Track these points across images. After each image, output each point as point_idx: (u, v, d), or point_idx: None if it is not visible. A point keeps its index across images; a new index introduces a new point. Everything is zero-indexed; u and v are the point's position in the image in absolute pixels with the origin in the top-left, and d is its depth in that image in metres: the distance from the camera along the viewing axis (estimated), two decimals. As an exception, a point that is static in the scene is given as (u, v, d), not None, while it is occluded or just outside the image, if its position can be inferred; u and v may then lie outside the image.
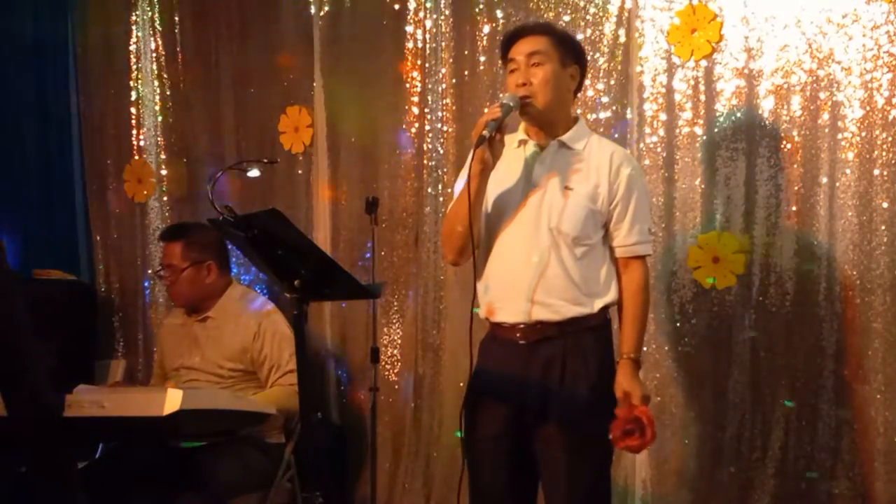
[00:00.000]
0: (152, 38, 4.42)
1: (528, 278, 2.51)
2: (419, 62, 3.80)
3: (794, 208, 3.20)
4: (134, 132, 4.48)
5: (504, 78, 2.67)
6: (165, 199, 4.44)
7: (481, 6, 3.67)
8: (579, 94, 2.80)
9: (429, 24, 3.78)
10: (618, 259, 2.59)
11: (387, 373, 3.88)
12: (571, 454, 2.50)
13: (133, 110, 4.47)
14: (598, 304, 2.55)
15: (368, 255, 3.71)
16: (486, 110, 2.51)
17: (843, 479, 3.13)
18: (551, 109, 2.55)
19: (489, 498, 2.62)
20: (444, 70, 3.76)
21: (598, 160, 2.56)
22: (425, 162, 3.80)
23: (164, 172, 4.44)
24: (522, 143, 2.62)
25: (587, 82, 3.47)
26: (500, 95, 2.56)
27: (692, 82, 3.34)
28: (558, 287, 2.50)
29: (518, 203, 2.55)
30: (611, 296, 2.57)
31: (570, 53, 2.59)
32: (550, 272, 2.49)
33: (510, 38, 2.60)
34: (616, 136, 3.44)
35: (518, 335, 2.54)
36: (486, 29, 3.66)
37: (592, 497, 2.56)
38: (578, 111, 3.47)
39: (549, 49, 2.53)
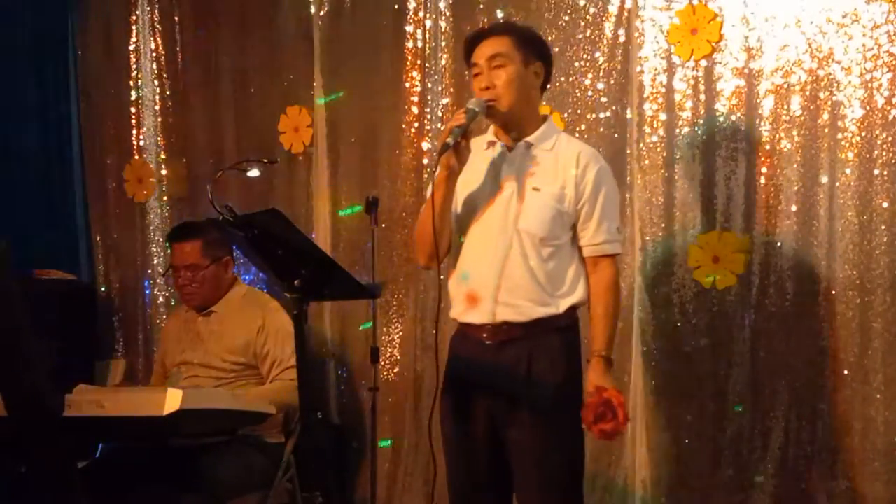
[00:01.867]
0: (152, 38, 4.42)
1: (492, 279, 2.51)
2: (419, 62, 3.80)
3: (794, 208, 3.20)
4: (134, 132, 4.48)
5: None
6: (165, 199, 4.44)
7: (481, 6, 3.67)
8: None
9: (429, 24, 3.78)
10: (586, 259, 2.61)
11: (387, 373, 3.88)
12: (541, 446, 2.52)
13: (133, 110, 4.47)
14: (564, 305, 2.56)
15: (368, 255, 3.71)
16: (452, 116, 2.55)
17: (843, 479, 3.13)
18: (517, 110, 2.57)
19: (465, 495, 2.65)
20: (444, 70, 3.76)
21: (564, 160, 2.58)
22: (425, 162, 3.80)
23: (164, 172, 4.44)
24: (491, 144, 2.64)
25: (587, 82, 3.48)
26: (468, 102, 2.58)
27: (692, 82, 3.34)
28: (523, 288, 2.51)
29: (486, 204, 2.57)
30: (578, 296, 2.58)
31: (533, 51, 2.61)
32: (515, 273, 2.50)
33: (472, 42, 2.63)
34: (616, 135, 3.44)
35: (485, 335, 2.56)
36: (486, 29, 3.65)
37: (565, 489, 2.58)
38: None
39: (510, 50, 2.56)
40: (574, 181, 2.55)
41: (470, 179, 2.58)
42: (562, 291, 2.56)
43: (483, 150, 2.64)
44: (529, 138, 2.60)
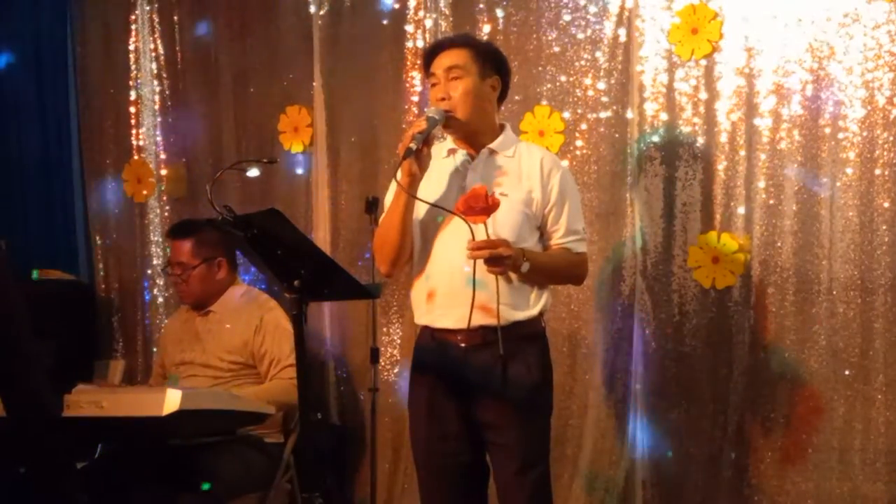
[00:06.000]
0: (152, 38, 4.41)
1: (466, 286, 2.50)
2: (419, 62, 3.79)
3: (794, 208, 3.20)
4: (133, 132, 4.47)
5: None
6: (165, 199, 4.43)
7: (481, 6, 3.67)
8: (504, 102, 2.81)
9: (429, 23, 3.77)
10: None
11: (387, 373, 3.87)
12: (520, 445, 2.56)
13: (132, 110, 4.46)
14: (537, 308, 2.59)
15: (368, 255, 3.71)
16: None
17: (844, 480, 3.13)
18: (474, 121, 2.60)
19: (437, 496, 2.66)
20: (444, 70, 3.75)
21: (528, 166, 2.61)
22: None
23: (163, 172, 4.43)
24: (452, 152, 2.67)
25: (587, 81, 3.48)
26: (426, 109, 2.59)
27: (693, 82, 3.34)
28: (499, 292, 2.49)
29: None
30: (545, 298, 2.62)
31: (490, 64, 2.64)
32: (489, 278, 2.47)
33: (431, 53, 2.66)
34: (616, 135, 3.44)
35: (459, 338, 2.56)
36: (487, 29, 3.65)
37: (541, 480, 2.61)
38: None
39: (467, 62, 2.59)
40: (540, 186, 2.59)
41: (434, 187, 2.59)
42: (533, 294, 2.59)
43: (443, 157, 2.66)
44: (492, 145, 2.63)
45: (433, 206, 2.51)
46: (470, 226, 2.37)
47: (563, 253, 2.61)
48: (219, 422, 2.96)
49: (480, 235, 2.40)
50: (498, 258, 2.40)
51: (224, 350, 3.38)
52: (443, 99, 2.58)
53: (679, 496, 3.36)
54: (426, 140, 2.50)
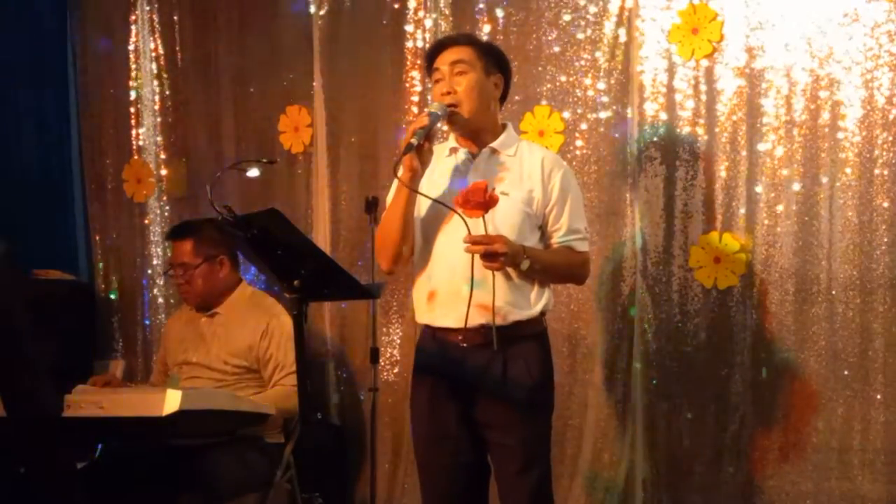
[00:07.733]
0: (151, 38, 4.41)
1: (466, 284, 2.50)
2: (419, 62, 3.80)
3: (794, 208, 3.21)
4: (133, 132, 4.47)
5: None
6: (165, 199, 4.43)
7: (481, 6, 3.67)
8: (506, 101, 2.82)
9: (429, 23, 3.78)
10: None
11: (387, 373, 3.88)
12: (521, 445, 2.57)
13: (132, 110, 4.46)
14: (538, 307, 2.59)
15: (368, 255, 3.70)
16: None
17: (844, 480, 3.13)
18: (477, 118, 2.59)
19: (439, 495, 2.67)
20: (443, 69, 3.75)
21: (529, 166, 2.61)
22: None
23: (163, 172, 4.43)
24: (453, 150, 2.66)
25: (587, 81, 3.48)
26: (428, 104, 2.58)
27: (693, 82, 3.34)
28: (498, 291, 2.49)
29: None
30: (547, 297, 2.62)
31: (494, 62, 2.64)
32: (489, 277, 2.47)
33: (435, 49, 2.66)
34: (616, 135, 3.44)
35: (460, 338, 2.55)
36: (487, 29, 3.65)
37: (542, 478, 2.62)
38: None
39: (472, 58, 2.59)
40: (541, 185, 2.59)
41: (435, 186, 2.59)
42: (534, 294, 2.59)
43: (445, 156, 2.66)
44: (493, 144, 2.63)
45: (434, 200, 2.50)
46: (464, 219, 2.37)
47: (565, 251, 2.61)
48: (219, 422, 2.96)
49: (478, 230, 2.40)
50: (493, 254, 2.39)
51: (228, 353, 3.37)
52: (448, 93, 2.56)
53: (679, 496, 3.36)
54: (428, 136, 2.49)
